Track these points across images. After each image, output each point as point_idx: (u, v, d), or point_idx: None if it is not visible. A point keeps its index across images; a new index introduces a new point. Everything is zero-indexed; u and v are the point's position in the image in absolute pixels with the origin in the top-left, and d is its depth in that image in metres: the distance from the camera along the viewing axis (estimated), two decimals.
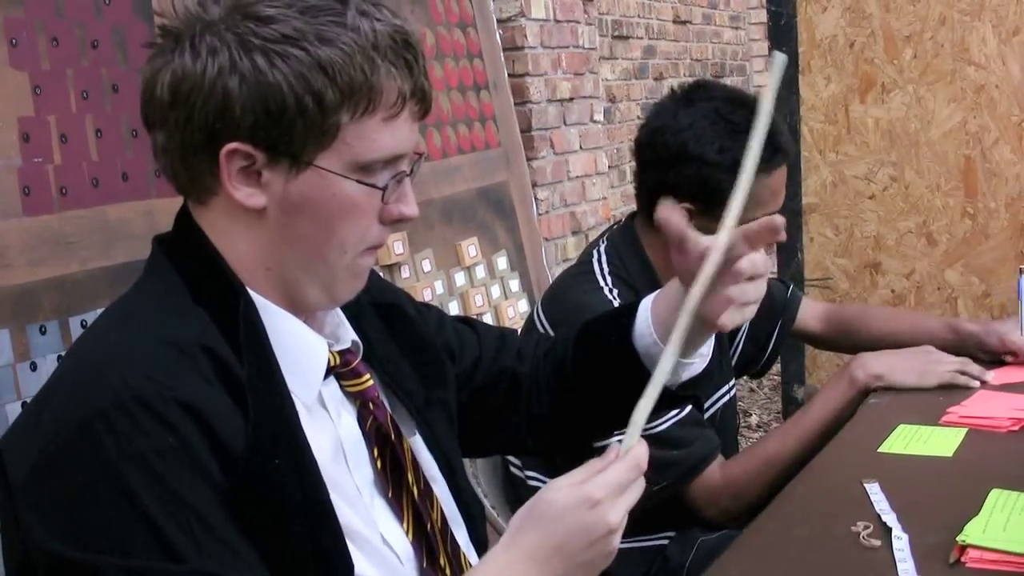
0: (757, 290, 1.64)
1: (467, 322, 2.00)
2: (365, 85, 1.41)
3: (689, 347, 1.77)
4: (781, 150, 2.58)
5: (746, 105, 2.65)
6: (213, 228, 1.49)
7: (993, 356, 2.92)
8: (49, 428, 1.33)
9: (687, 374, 1.84)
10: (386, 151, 1.45)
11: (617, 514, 1.38)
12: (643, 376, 1.68)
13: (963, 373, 2.70)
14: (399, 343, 1.72)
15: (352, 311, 1.66)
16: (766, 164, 2.49)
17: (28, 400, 2.03)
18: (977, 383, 2.69)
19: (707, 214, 2.52)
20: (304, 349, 1.51)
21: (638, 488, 1.42)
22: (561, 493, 1.39)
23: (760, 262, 1.64)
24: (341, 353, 1.58)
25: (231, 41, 1.41)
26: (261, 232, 1.47)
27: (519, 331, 2.86)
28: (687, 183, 2.55)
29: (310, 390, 1.51)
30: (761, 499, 2.55)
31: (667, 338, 1.65)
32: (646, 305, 1.84)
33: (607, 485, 1.38)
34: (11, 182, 2.21)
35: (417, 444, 1.68)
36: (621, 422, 1.59)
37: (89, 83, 2.39)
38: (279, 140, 1.41)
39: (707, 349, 1.87)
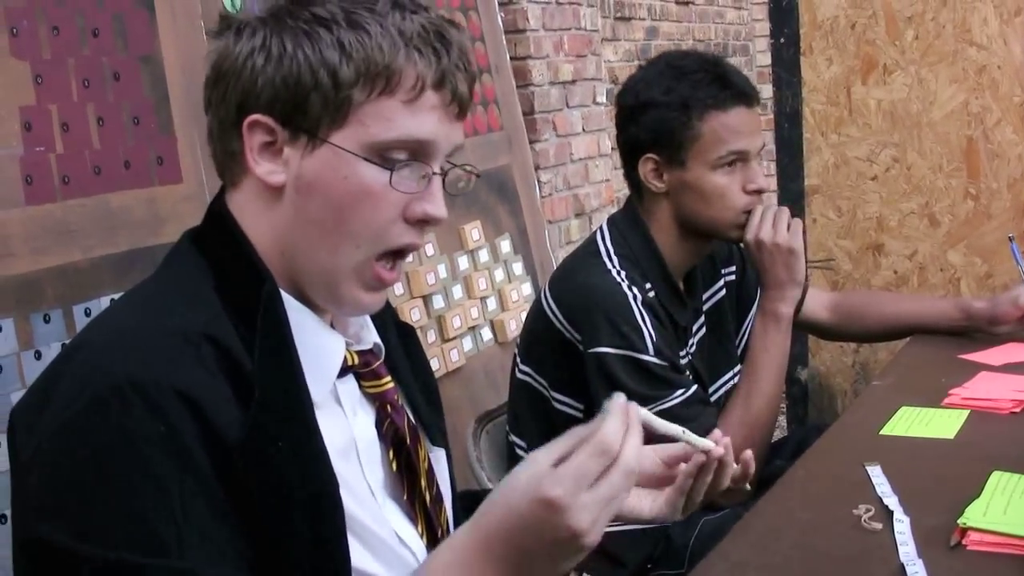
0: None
1: None
2: (383, 64, 1.41)
3: None
4: (732, 89, 2.63)
5: (696, 54, 2.74)
6: (242, 211, 1.49)
7: (1007, 329, 2.93)
8: (54, 410, 1.34)
9: None
10: (403, 133, 1.43)
11: (582, 517, 1.27)
12: None
13: None
14: (412, 364, 1.72)
15: (378, 321, 1.65)
16: (715, 101, 2.56)
17: None
18: None
19: (673, 163, 2.63)
20: (320, 346, 1.50)
21: (614, 483, 1.30)
22: (520, 484, 1.31)
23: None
24: (361, 353, 1.57)
25: (270, 23, 1.44)
26: (279, 212, 1.47)
27: (523, 316, 2.88)
28: (646, 132, 2.65)
29: (322, 386, 1.49)
30: (758, 468, 2.57)
31: None
32: None
33: (566, 479, 1.28)
34: (13, 171, 2.21)
35: (434, 454, 1.68)
36: None
37: (90, 71, 2.39)
38: (295, 114, 1.42)
39: None
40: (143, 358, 1.34)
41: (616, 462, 1.29)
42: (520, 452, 2.69)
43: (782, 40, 5.78)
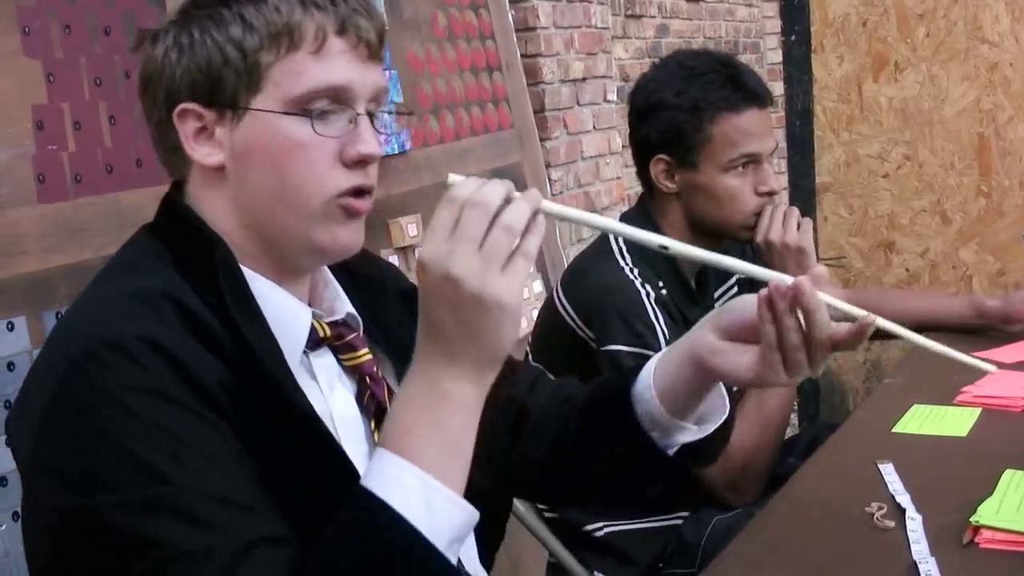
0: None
1: None
2: (282, 23, 1.46)
3: (687, 406, 1.65)
4: (744, 91, 2.62)
5: (708, 54, 2.72)
6: (196, 201, 1.53)
7: (1020, 327, 2.94)
8: (37, 397, 1.38)
9: (682, 438, 1.67)
10: (315, 82, 1.47)
11: (451, 263, 1.30)
12: (640, 443, 1.66)
13: None
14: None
15: (372, 294, 1.67)
16: (727, 103, 2.55)
17: None
18: None
19: (684, 165, 2.63)
20: (284, 315, 1.52)
21: (465, 222, 1.31)
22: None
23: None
24: (333, 325, 1.58)
25: (179, 20, 1.52)
26: (227, 191, 1.51)
27: (535, 314, 2.88)
28: (657, 133, 2.65)
29: (292, 356, 1.51)
30: (770, 466, 2.57)
31: (671, 401, 1.62)
32: (649, 368, 1.70)
33: (426, 241, 1.33)
34: (26, 170, 2.22)
35: None
36: (612, 491, 1.74)
37: (102, 70, 2.39)
38: (214, 92, 1.48)
39: (710, 415, 1.69)
40: (105, 319, 1.38)
41: (463, 204, 1.32)
42: None
43: (793, 37, 5.79)
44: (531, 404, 1.79)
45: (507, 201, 1.34)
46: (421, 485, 1.32)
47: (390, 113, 1.60)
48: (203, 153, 1.49)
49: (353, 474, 1.42)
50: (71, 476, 1.32)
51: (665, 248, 1.47)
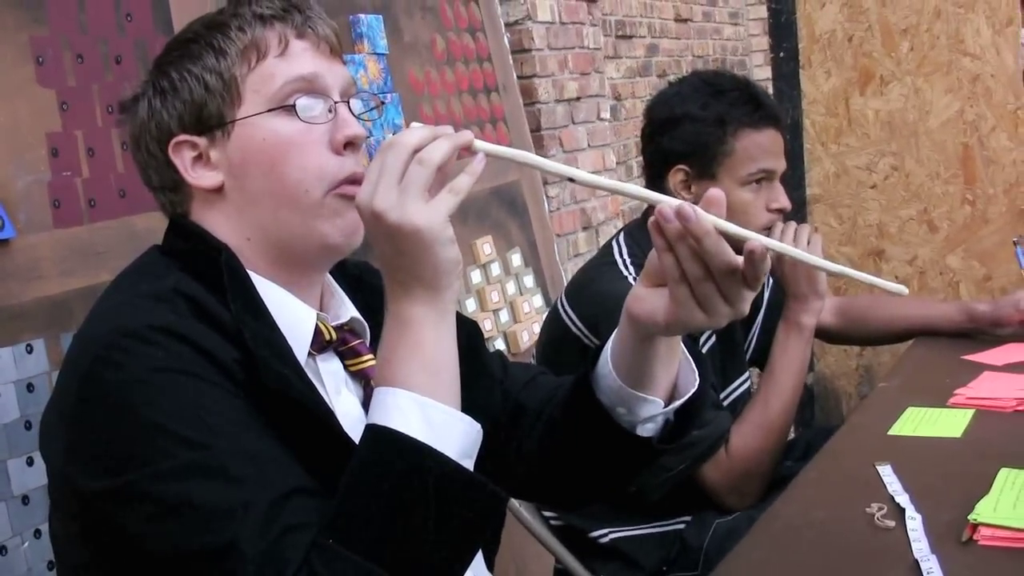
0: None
1: None
2: (247, 41, 1.56)
3: (643, 373, 1.57)
4: (765, 110, 2.69)
5: (729, 75, 2.79)
6: (201, 225, 1.59)
7: (1009, 331, 2.99)
8: (66, 397, 1.43)
9: (647, 411, 1.59)
10: (287, 76, 1.55)
11: (374, 199, 1.38)
12: (601, 420, 1.61)
13: None
14: None
15: (377, 302, 1.67)
16: (749, 119, 2.61)
17: None
18: None
19: (703, 176, 2.67)
20: (290, 315, 1.56)
21: (379, 159, 1.40)
22: None
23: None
24: (338, 329, 1.62)
25: (152, 74, 1.61)
26: (229, 207, 1.56)
27: (539, 327, 2.91)
28: (679, 144, 2.69)
29: (298, 355, 1.54)
30: (769, 471, 2.61)
31: (625, 370, 1.57)
32: (609, 341, 1.63)
33: (363, 184, 1.41)
34: (41, 196, 2.24)
35: None
36: (594, 479, 1.70)
37: (114, 97, 2.41)
38: (202, 118, 1.56)
39: (684, 391, 1.61)
40: (124, 313, 1.43)
41: (387, 148, 1.41)
42: None
43: (782, 54, 5.84)
44: (525, 399, 1.80)
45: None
46: (415, 405, 1.37)
47: (359, 105, 1.66)
48: (203, 176, 1.56)
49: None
50: (108, 460, 1.36)
51: (573, 180, 1.49)
